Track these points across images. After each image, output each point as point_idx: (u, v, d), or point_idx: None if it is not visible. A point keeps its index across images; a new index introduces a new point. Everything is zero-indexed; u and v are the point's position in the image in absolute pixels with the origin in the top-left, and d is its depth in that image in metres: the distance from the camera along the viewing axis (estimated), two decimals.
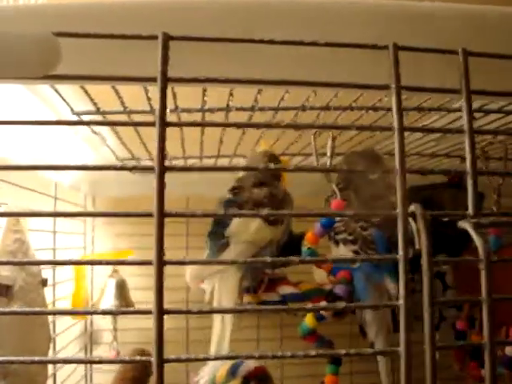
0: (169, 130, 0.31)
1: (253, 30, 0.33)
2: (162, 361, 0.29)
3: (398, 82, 0.33)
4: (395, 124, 0.33)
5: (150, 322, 0.97)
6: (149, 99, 0.46)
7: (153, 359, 0.29)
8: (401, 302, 0.32)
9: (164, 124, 0.31)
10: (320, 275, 0.78)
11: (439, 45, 0.34)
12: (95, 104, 0.50)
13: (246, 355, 0.31)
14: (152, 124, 0.31)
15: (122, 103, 0.49)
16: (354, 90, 0.35)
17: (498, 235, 0.69)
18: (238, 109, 0.52)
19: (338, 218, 0.62)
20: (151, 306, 0.94)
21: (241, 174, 0.75)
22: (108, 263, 0.31)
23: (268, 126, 0.33)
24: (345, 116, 0.59)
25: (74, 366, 0.80)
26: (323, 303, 0.61)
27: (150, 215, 0.30)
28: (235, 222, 0.67)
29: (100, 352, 0.84)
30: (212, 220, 0.72)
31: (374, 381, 0.66)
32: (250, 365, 0.50)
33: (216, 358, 0.30)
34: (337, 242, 0.64)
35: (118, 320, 0.83)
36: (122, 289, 0.79)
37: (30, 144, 0.57)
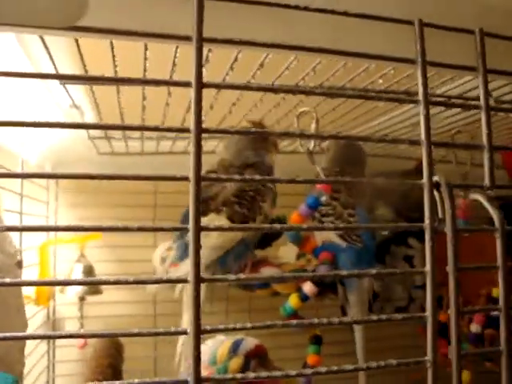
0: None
1: None
2: (199, 331, 0.28)
3: (423, 56, 0.34)
4: (421, 97, 0.33)
5: (115, 308, 0.94)
6: (146, 59, 0.44)
7: (189, 330, 0.28)
8: (427, 268, 0.33)
9: (201, 85, 0.29)
10: (288, 256, 0.79)
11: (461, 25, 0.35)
12: (86, 70, 0.47)
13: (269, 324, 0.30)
14: (188, 84, 0.29)
15: (115, 67, 0.46)
16: (382, 62, 0.35)
17: (466, 219, 0.73)
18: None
19: (325, 202, 0.63)
20: (120, 292, 0.91)
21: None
22: (141, 229, 0.29)
23: (304, 91, 0.32)
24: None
25: (36, 357, 0.75)
26: (309, 284, 0.62)
27: (186, 179, 0.29)
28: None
29: (64, 341, 0.80)
30: (182, 216, 0.68)
31: (345, 351, 0.68)
32: (250, 343, 0.50)
33: (253, 328, 0.30)
34: (321, 223, 0.65)
35: (83, 307, 0.79)
36: (89, 274, 0.76)
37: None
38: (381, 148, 0.88)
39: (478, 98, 0.40)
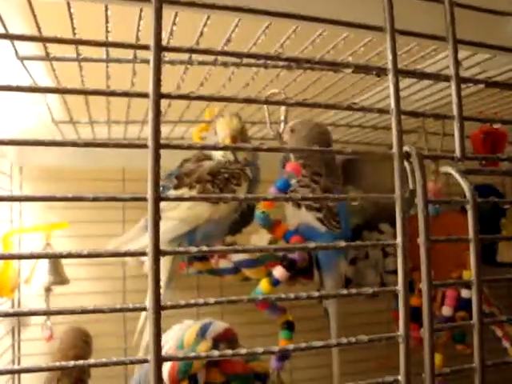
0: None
1: None
2: (159, 308, 0.27)
3: (392, 23, 0.33)
4: (390, 66, 0.32)
5: (83, 300, 0.91)
6: (107, 21, 0.42)
7: (149, 307, 0.27)
8: (398, 240, 0.32)
9: (160, 48, 0.28)
10: (260, 241, 0.77)
11: None
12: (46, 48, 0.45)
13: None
14: (147, 48, 0.28)
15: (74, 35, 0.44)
16: (350, 29, 0.34)
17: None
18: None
19: (301, 184, 0.62)
20: (88, 283, 0.87)
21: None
22: (95, 199, 0.27)
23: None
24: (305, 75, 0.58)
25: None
26: (279, 268, 0.61)
27: (144, 199, 0.27)
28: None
29: (29, 334, 0.77)
30: None
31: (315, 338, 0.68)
32: (219, 327, 0.48)
33: (216, 303, 0.28)
34: (298, 205, 0.64)
35: (50, 298, 0.77)
36: (56, 263, 0.73)
37: None
38: (351, 135, 0.87)
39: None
